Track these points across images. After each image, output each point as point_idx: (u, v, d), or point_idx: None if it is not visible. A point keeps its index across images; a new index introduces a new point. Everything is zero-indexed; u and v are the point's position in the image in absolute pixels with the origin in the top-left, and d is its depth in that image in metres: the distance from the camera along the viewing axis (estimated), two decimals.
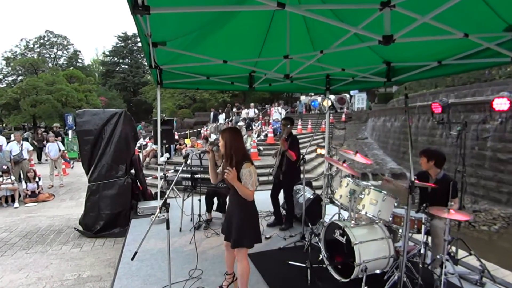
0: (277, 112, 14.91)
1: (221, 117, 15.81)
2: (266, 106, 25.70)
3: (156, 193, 5.67)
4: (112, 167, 4.98)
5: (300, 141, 4.59)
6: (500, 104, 3.86)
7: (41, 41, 36.75)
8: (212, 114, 16.15)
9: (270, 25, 3.39)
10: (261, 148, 10.98)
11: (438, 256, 2.90)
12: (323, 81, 5.19)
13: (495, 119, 8.99)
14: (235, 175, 2.42)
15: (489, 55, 2.98)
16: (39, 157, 13.48)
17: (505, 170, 8.65)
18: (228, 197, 2.76)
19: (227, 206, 2.80)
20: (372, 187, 3.19)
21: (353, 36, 2.87)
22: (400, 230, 3.18)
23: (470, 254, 3.22)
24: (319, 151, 7.43)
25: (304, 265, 3.17)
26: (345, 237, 2.94)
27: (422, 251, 3.00)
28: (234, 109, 17.10)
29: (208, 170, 2.97)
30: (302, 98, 26.95)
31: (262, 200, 5.18)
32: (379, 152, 15.68)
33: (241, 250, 2.56)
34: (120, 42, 41.38)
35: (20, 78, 29.77)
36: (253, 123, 14.35)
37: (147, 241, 4.00)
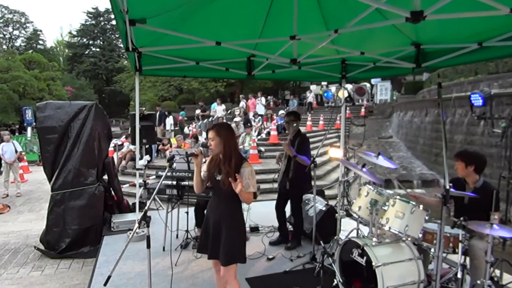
0: (260, 104, 14.84)
1: (169, 120, 14.72)
2: (269, 97, 25.71)
3: (134, 204, 5.67)
4: (80, 172, 4.97)
5: (309, 140, 4.59)
6: None
7: None
8: (158, 114, 14.34)
9: None
10: (263, 149, 10.98)
11: (478, 282, 2.90)
12: (338, 67, 5.19)
13: None
14: (242, 184, 2.47)
15: None
16: None
17: None
18: (209, 206, 2.80)
19: (205, 216, 2.83)
20: (398, 197, 3.19)
21: (374, 12, 2.86)
22: (432, 250, 3.17)
23: None
24: (333, 152, 7.41)
25: None
26: (364, 257, 2.94)
27: (459, 275, 3.00)
28: (198, 111, 15.54)
29: None
30: (313, 87, 26.92)
31: (264, 212, 5.20)
32: (406, 153, 15.68)
33: (231, 269, 2.60)
34: (90, 20, 41.44)
35: None
36: (253, 118, 14.35)
37: (123, 262, 4.00)
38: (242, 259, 2.64)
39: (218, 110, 15.94)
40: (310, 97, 22.59)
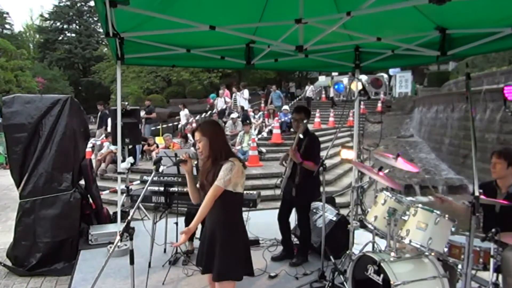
0: (242, 98, 14.82)
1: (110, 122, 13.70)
2: (271, 88, 25.65)
3: (115, 213, 5.67)
4: (53, 177, 4.98)
5: (320, 140, 4.59)
6: None
7: None
8: (99, 114, 13.79)
9: None
10: (264, 149, 10.98)
11: None
12: (351, 56, 5.19)
13: None
14: None
15: None
16: None
17: None
18: (206, 216, 2.79)
19: (205, 224, 2.86)
20: (420, 205, 3.19)
21: None
22: (460, 266, 3.17)
23: None
24: (345, 154, 7.42)
25: None
26: (381, 275, 2.94)
27: None
28: (142, 113, 13.84)
29: None
30: (321, 78, 26.86)
31: (265, 223, 5.20)
32: (429, 155, 15.69)
33: (226, 286, 2.61)
34: (64, 1, 41.42)
35: None
36: (253, 115, 14.33)
37: (102, 280, 4.00)
38: (236, 276, 2.64)
39: (182, 115, 15.82)
40: (309, 91, 22.16)
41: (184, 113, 16.10)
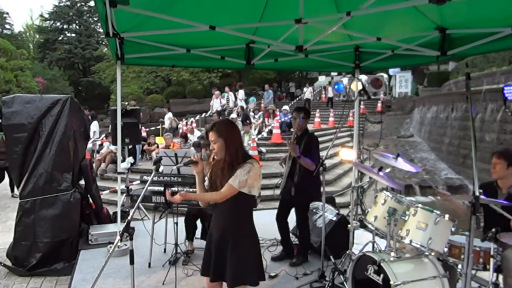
0: (238, 99, 14.72)
1: (93, 127, 12.37)
2: (270, 90, 25.68)
3: (115, 213, 5.67)
4: (53, 177, 4.98)
5: (319, 140, 4.59)
6: None
7: None
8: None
9: None
10: (264, 149, 10.99)
11: None
12: (351, 56, 5.20)
13: None
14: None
15: None
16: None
17: None
18: (212, 221, 2.74)
19: (208, 233, 2.79)
20: (420, 205, 3.20)
21: None
22: (460, 266, 3.17)
23: None
24: (345, 154, 7.41)
25: None
26: (381, 275, 2.94)
27: None
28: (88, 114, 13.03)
29: (189, 180, 2.97)
30: (321, 78, 26.84)
31: (266, 223, 5.18)
32: (430, 155, 15.70)
33: None
34: (64, 1, 41.44)
35: None
36: (253, 115, 14.32)
37: (102, 281, 4.00)
38: (252, 280, 2.55)
39: (165, 118, 15.19)
40: (307, 93, 21.93)
41: (168, 116, 15.19)
